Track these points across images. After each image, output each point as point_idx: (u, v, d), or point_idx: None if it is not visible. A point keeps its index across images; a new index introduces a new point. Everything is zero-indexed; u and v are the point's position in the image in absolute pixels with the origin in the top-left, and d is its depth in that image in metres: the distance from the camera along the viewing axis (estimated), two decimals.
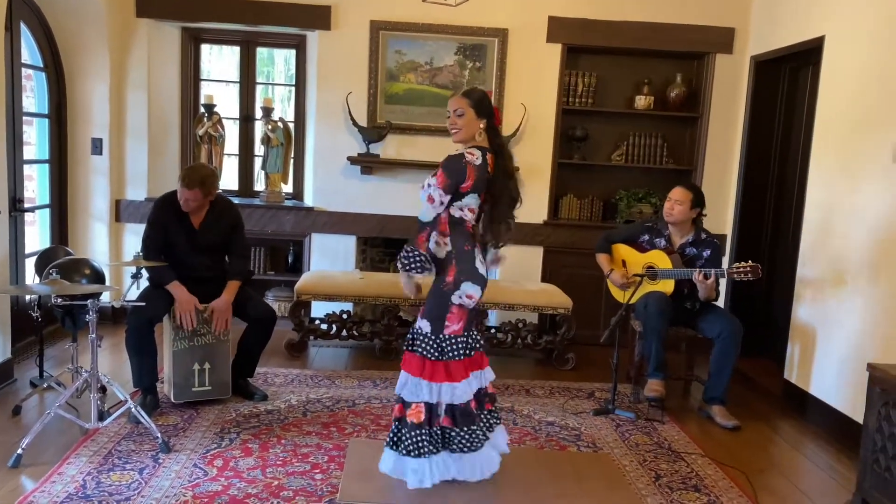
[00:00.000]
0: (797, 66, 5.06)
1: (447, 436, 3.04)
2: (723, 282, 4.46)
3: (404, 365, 3.07)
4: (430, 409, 3.00)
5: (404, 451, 3.01)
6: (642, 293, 4.16)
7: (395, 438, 3.07)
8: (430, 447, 2.99)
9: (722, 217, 5.45)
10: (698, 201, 4.20)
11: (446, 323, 3.01)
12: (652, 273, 4.17)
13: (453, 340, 3.02)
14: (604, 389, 4.48)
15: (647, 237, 4.33)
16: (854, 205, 3.94)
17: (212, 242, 3.93)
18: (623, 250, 4.42)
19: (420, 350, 3.04)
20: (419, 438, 2.98)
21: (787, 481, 3.42)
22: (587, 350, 5.20)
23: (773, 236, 5.29)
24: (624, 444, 3.67)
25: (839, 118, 4.14)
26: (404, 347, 3.11)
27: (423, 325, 3.05)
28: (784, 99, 5.18)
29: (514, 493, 3.08)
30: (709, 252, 4.19)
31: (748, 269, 3.91)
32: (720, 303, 5.13)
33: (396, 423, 3.07)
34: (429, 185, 2.95)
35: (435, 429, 3.01)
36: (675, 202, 4.17)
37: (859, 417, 3.68)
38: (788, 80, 5.15)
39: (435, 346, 3.02)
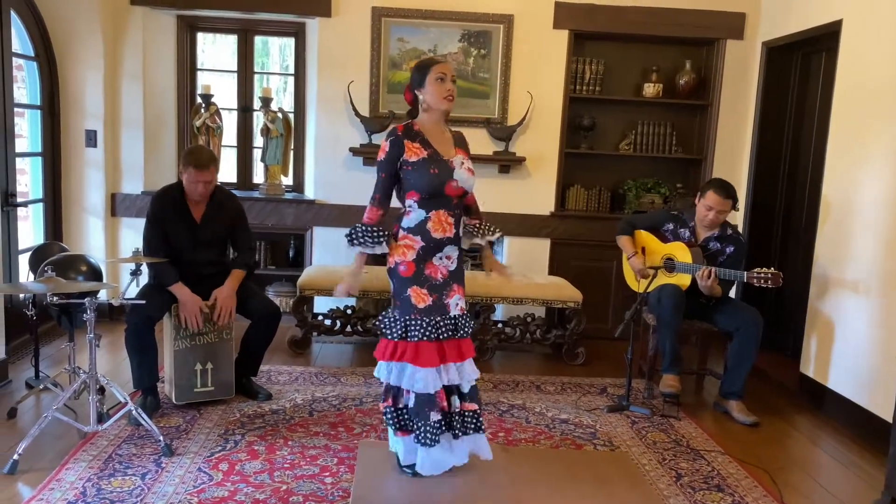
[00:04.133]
0: (810, 52, 4.94)
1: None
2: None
3: (472, 351, 3.01)
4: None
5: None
6: (657, 285, 4.05)
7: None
8: None
9: None
10: (735, 202, 4.06)
11: None
12: (670, 265, 4.06)
13: None
14: (616, 385, 4.38)
15: (671, 227, 4.21)
16: (874, 194, 3.83)
17: (214, 236, 3.79)
18: (644, 237, 4.30)
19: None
20: None
21: (811, 479, 3.31)
22: (596, 344, 5.10)
23: (784, 227, 5.18)
24: (641, 442, 3.56)
25: (858, 105, 4.02)
26: (465, 336, 2.99)
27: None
28: (796, 86, 5.06)
29: (533, 495, 2.96)
30: (732, 249, 4.06)
31: (769, 276, 3.77)
32: (732, 292, 5.04)
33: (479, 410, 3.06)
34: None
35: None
36: (718, 212, 4.00)
37: (882, 412, 3.61)
38: (801, 66, 5.03)
39: None
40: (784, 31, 4.87)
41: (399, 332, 2.90)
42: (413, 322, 2.88)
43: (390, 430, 3.08)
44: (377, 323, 3.03)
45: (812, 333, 4.32)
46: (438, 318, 2.90)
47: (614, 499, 2.98)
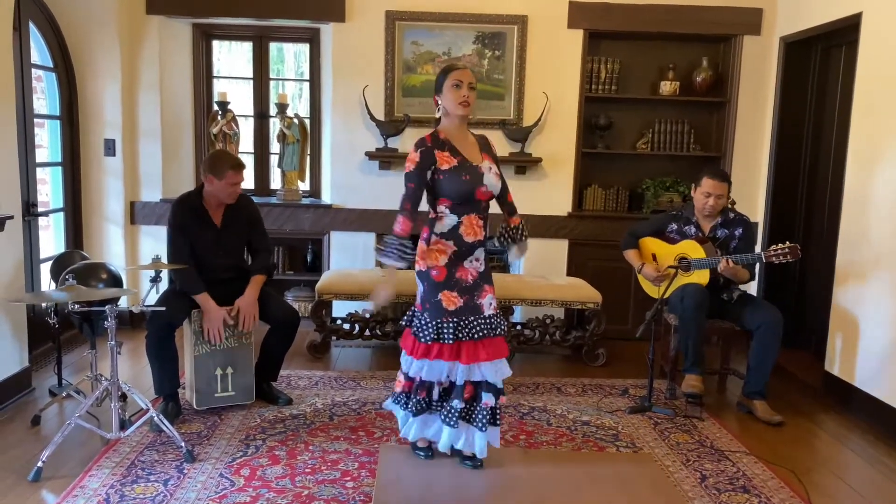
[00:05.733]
0: (829, 45, 4.88)
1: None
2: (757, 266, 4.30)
3: (506, 350, 3.08)
4: None
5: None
6: (677, 286, 4.01)
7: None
8: None
9: (753, 204, 5.28)
10: (730, 185, 4.07)
11: None
12: (685, 265, 4.02)
13: None
14: (637, 386, 4.34)
15: (675, 226, 4.18)
16: None
17: (235, 240, 3.81)
18: (651, 244, 4.26)
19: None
20: None
21: (839, 480, 3.26)
22: (616, 345, 5.06)
23: (806, 222, 5.12)
24: (664, 444, 3.53)
25: (880, 98, 3.96)
26: (501, 334, 3.07)
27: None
28: (815, 81, 5.00)
29: (556, 497, 2.94)
30: (741, 230, 4.06)
31: (787, 250, 3.74)
32: (753, 290, 4.99)
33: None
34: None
35: None
36: (717, 197, 3.99)
37: None
38: (820, 60, 4.97)
39: None
40: (802, 26, 4.81)
41: (431, 335, 2.96)
42: (444, 324, 2.94)
43: (394, 401, 3.18)
44: (406, 320, 3.11)
45: (836, 331, 4.26)
46: (472, 318, 2.97)
47: (638, 501, 2.95)
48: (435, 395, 3.07)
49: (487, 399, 3.02)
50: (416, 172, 2.92)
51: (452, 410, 3.02)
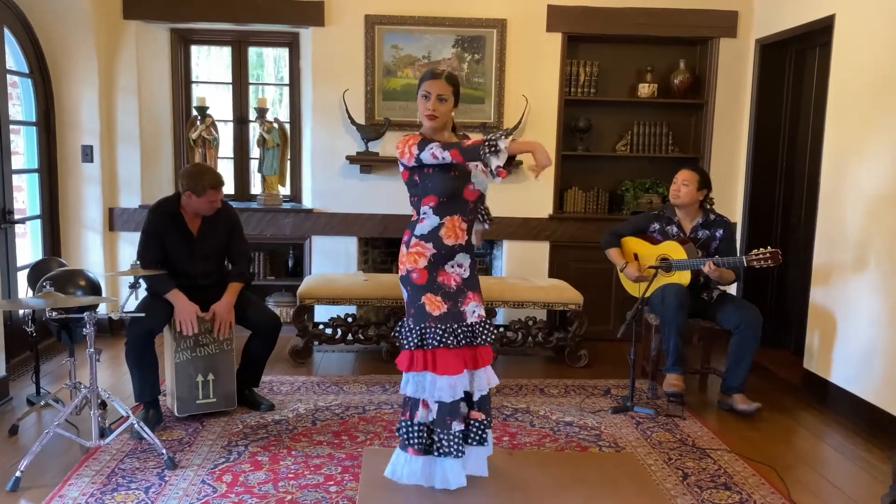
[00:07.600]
0: (804, 48, 4.94)
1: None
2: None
3: (489, 359, 2.99)
4: None
5: None
6: (658, 286, 4.04)
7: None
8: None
9: (731, 204, 5.33)
10: (705, 183, 4.13)
11: None
12: (667, 265, 4.05)
13: None
14: (619, 386, 4.36)
15: (657, 226, 4.22)
16: (871, 185, 3.82)
17: (212, 248, 3.78)
18: (634, 244, 4.29)
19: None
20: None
21: (818, 475, 3.30)
22: (599, 346, 5.08)
23: (784, 222, 5.18)
24: (647, 443, 3.55)
25: (853, 98, 4.02)
26: (483, 344, 2.94)
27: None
28: (791, 82, 5.06)
29: (540, 498, 2.95)
30: (721, 231, 4.12)
31: (768, 255, 3.79)
32: (733, 290, 5.03)
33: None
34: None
35: None
36: (682, 183, 4.09)
37: (886, 405, 3.60)
38: (795, 62, 5.03)
39: None
40: (777, 28, 4.88)
41: (415, 341, 2.85)
42: (428, 330, 2.84)
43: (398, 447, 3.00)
44: (395, 334, 3.02)
45: (814, 329, 4.31)
46: (455, 326, 2.87)
47: (622, 500, 2.96)
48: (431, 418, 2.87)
49: (467, 411, 2.94)
50: (424, 141, 2.74)
51: (454, 436, 2.85)
